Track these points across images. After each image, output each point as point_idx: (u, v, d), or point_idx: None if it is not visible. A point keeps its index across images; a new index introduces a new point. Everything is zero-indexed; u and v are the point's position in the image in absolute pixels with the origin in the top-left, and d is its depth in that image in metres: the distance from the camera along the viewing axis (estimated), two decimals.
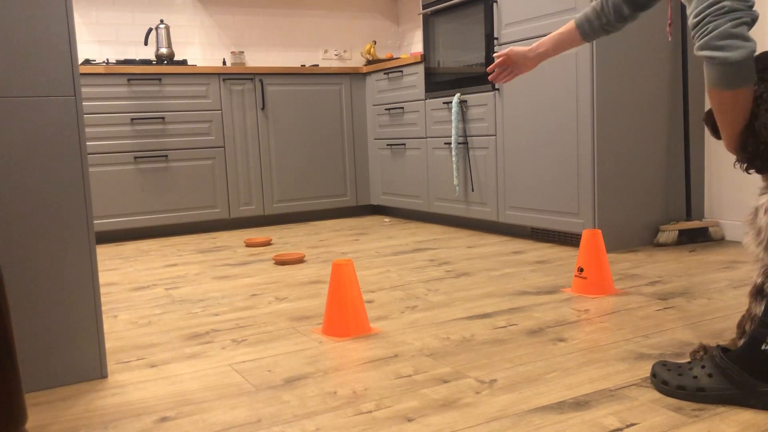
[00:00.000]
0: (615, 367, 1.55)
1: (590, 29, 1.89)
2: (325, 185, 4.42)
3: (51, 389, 1.56)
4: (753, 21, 1.32)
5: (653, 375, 1.43)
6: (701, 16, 1.32)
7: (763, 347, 1.28)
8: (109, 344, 1.90)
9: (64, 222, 1.55)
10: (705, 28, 1.32)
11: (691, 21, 1.35)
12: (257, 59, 4.76)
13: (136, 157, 3.86)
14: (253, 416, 1.36)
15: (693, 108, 3.15)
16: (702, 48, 1.33)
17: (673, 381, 1.38)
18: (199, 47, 4.58)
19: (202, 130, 4.03)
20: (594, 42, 2.80)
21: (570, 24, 1.93)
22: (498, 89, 3.33)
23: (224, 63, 4.58)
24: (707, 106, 3.18)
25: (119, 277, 2.83)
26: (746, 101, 1.35)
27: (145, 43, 4.29)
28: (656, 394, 1.38)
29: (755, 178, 2.99)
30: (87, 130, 3.74)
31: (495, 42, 3.32)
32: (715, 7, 1.31)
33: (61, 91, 1.53)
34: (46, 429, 1.35)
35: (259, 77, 4.16)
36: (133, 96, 3.84)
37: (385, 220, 4.40)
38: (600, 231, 2.23)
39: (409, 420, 1.31)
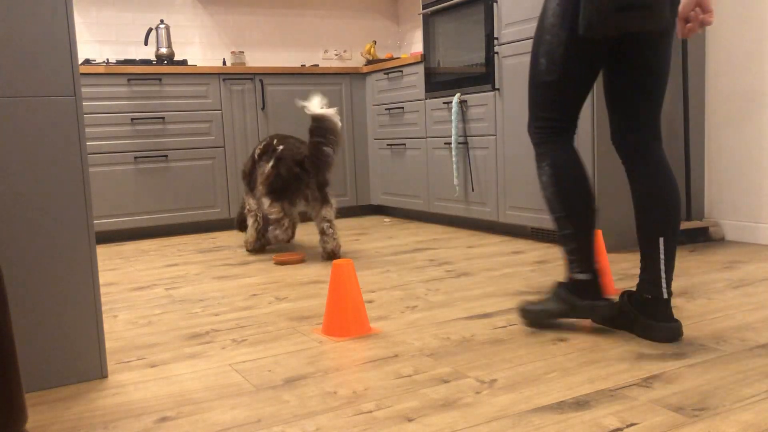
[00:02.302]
0: (615, 367, 1.55)
1: None
2: None
3: (51, 389, 1.56)
4: None
5: (521, 310, 1.92)
6: None
7: (574, 275, 1.80)
8: (109, 344, 1.90)
9: (64, 222, 1.55)
10: None
11: None
12: (257, 59, 4.76)
13: (136, 157, 3.86)
14: (253, 416, 1.36)
15: (693, 108, 3.15)
16: None
17: (530, 308, 1.90)
18: (199, 47, 4.58)
19: (202, 130, 4.03)
20: None
21: None
22: (498, 89, 3.33)
23: (224, 63, 4.58)
24: (707, 106, 3.18)
25: (119, 277, 2.83)
26: None
27: (145, 43, 4.29)
28: (656, 394, 1.38)
29: (755, 178, 2.99)
30: (87, 130, 3.74)
31: (495, 42, 3.32)
32: None
33: (61, 91, 1.53)
34: (46, 429, 1.35)
35: (259, 77, 4.16)
36: (133, 96, 3.84)
37: (385, 220, 4.40)
38: (600, 231, 2.23)
39: (409, 420, 1.31)
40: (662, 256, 1.72)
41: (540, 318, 1.88)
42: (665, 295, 1.73)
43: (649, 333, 1.73)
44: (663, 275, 1.72)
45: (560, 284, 1.86)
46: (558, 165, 1.78)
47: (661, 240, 1.73)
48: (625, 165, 1.85)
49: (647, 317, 1.74)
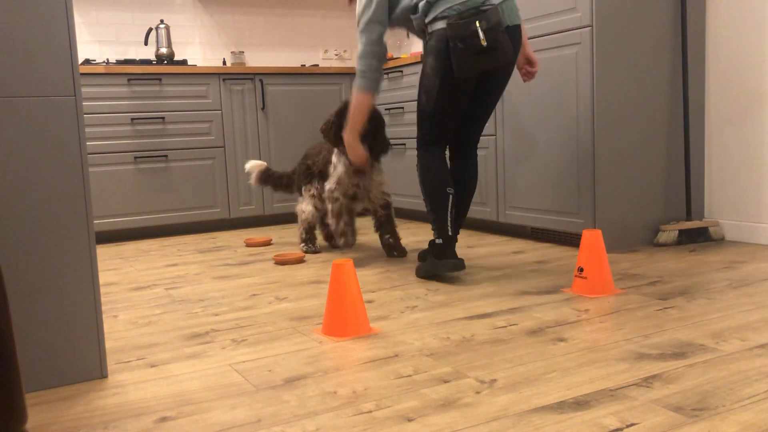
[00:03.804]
0: (615, 367, 1.55)
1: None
2: None
3: (51, 389, 1.56)
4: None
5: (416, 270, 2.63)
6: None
7: (435, 240, 2.48)
8: (109, 344, 1.90)
9: (64, 222, 1.55)
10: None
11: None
12: (257, 59, 4.76)
13: (136, 157, 3.86)
14: (253, 416, 1.36)
15: (693, 108, 3.15)
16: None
17: (419, 267, 2.60)
18: (199, 47, 4.58)
19: (202, 130, 4.03)
20: (594, 42, 2.80)
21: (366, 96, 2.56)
22: None
23: (224, 63, 4.58)
24: (707, 106, 3.18)
25: (119, 277, 2.83)
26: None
27: (145, 43, 4.29)
28: (656, 394, 1.38)
29: (755, 178, 2.99)
30: (87, 130, 3.74)
31: None
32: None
33: (61, 91, 1.53)
34: (46, 429, 1.35)
35: (259, 77, 4.16)
36: (133, 96, 3.84)
37: None
38: (600, 231, 2.23)
39: (409, 420, 1.31)
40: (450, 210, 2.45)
41: (423, 274, 2.55)
42: (450, 233, 2.43)
43: (436, 269, 2.45)
44: (449, 220, 2.45)
45: (428, 250, 2.70)
46: (425, 164, 2.49)
47: (450, 196, 2.45)
48: (455, 159, 2.64)
49: (434, 257, 2.46)
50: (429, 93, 2.42)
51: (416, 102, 2.56)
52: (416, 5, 2.44)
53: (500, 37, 2.27)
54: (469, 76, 2.36)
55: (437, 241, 2.44)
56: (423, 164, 2.48)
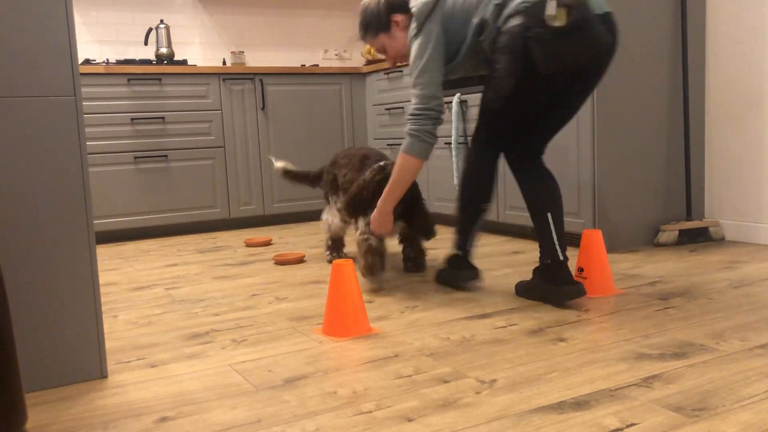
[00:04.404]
0: (615, 367, 1.55)
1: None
2: None
3: (51, 389, 1.56)
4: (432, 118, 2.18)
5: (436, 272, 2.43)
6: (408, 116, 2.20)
7: (456, 252, 2.33)
8: (109, 344, 1.90)
9: (64, 222, 1.55)
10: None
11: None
12: (257, 59, 4.76)
13: (136, 157, 3.86)
14: (253, 416, 1.36)
15: (693, 108, 3.15)
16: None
17: (439, 272, 2.42)
18: (199, 47, 4.58)
19: (202, 130, 4.03)
20: None
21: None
22: None
23: (224, 63, 4.58)
24: (707, 106, 3.18)
25: (119, 277, 2.83)
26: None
27: (145, 43, 4.29)
28: (656, 394, 1.38)
29: (755, 178, 2.99)
30: (87, 130, 3.74)
31: None
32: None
33: (61, 91, 1.53)
34: (46, 429, 1.35)
35: (259, 77, 4.16)
36: (133, 96, 3.84)
37: None
38: (600, 231, 2.23)
39: (409, 420, 1.31)
40: (552, 227, 2.11)
41: (444, 282, 2.41)
42: (561, 257, 2.07)
43: (554, 296, 2.08)
44: (556, 241, 2.10)
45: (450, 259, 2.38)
46: (472, 169, 2.24)
47: (549, 215, 2.11)
48: (528, 170, 2.19)
49: (549, 282, 2.09)
50: (499, 92, 2.09)
51: (480, 97, 2.27)
52: (481, 24, 2.09)
53: (588, 15, 1.90)
54: (557, 72, 1.99)
55: (458, 252, 2.31)
56: (470, 167, 2.24)
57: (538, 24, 1.91)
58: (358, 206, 2.46)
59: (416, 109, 2.16)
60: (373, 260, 2.41)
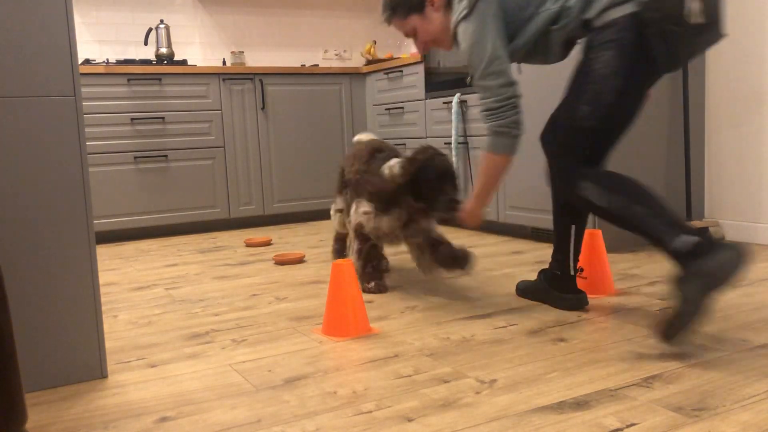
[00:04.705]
0: (615, 367, 1.55)
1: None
2: (325, 185, 4.42)
3: (51, 389, 1.56)
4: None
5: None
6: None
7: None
8: (109, 344, 1.90)
9: (64, 222, 1.55)
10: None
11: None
12: (257, 59, 4.76)
13: (136, 157, 3.86)
14: (253, 416, 1.36)
15: (693, 108, 3.15)
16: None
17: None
18: (199, 47, 4.58)
19: (202, 130, 4.03)
20: None
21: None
22: None
23: (224, 63, 4.58)
24: (707, 106, 3.18)
25: (119, 277, 2.83)
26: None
27: (145, 43, 4.29)
28: (656, 394, 1.38)
29: (755, 178, 2.99)
30: (87, 130, 3.74)
31: None
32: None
33: (61, 91, 1.53)
34: (46, 429, 1.35)
35: (259, 77, 4.16)
36: (133, 96, 3.84)
37: None
38: (600, 231, 2.23)
39: (409, 420, 1.31)
40: (573, 241, 2.02)
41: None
42: (571, 272, 2.04)
43: (556, 303, 2.07)
44: (571, 256, 2.03)
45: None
46: (601, 178, 1.78)
47: (573, 227, 2.01)
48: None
49: (554, 289, 2.07)
50: (600, 100, 1.77)
51: (564, 115, 1.88)
52: (559, 11, 1.85)
53: (720, 8, 1.71)
54: (673, 70, 1.81)
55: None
56: (596, 180, 1.79)
57: (673, 21, 1.66)
58: (390, 199, 2.25)
59: (495, 102, 1.90)
60: (373, 264, 2.36)
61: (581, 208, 1.97)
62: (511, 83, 1.90)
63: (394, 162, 2.25)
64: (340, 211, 2.69)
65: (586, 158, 1.85)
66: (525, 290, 2.20)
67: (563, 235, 2.03)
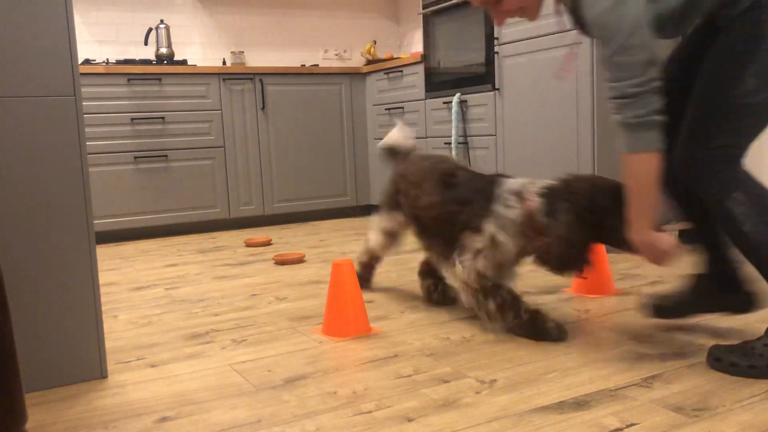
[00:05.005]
0: (615, 367, 1.55)
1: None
2: (325, 185, 4.42)
3: (51, 389, 1.56)
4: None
5: (716, 359, 1.51)
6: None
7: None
8: (109, 344, 1.90)
9: (64, 222, 1.55)
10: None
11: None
12: (257, 59, 4.76)
13: (136, 157, 3.86)
14: (253, 416, 1.36)
15: None
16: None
17: (742, 362, 1.47)
18: (199, 47, 4.58)
19: (202, 130, 4.03)
20: (594, 42, 2.80)
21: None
22: (498, 89, 3.33)
23: (224, 63, 4.58)
24: None
25: (119, 277, 2.83)
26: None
27: (145, 43, 4.29)
28: (656, 394, 1.38)
29: None
30: (87, 130, 3.74)
31: (495, 42, 3.32)
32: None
33: (61, 91, 1.53)
34: (46, 429, 1.35)
35: (259, 77, 4.16)
36: (133, 96, 3.84)
37: None
38: None
39: (409, 420, 1.31)
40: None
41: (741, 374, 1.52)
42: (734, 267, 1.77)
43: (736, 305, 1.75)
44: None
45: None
46: (753, 191, 1.53)
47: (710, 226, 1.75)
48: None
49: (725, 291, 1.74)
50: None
51: (718, 91, 1.51)
52: None
53: None
54: None
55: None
56: (748, 192, 1.56)
57: None
58: (573, 256, 1.73)
59: (635, 85, 1.44)
60: (502, 296, 1.85)
61: (710, 218, 1.68)
62: (656, 61, 1.45)
63: (557, 212, 1.78)
64: (386, 233, 2.25)
65: (740, 155, 1.55)
66: (682, 304, 1.78)
67: (713, 242, 1.75)
